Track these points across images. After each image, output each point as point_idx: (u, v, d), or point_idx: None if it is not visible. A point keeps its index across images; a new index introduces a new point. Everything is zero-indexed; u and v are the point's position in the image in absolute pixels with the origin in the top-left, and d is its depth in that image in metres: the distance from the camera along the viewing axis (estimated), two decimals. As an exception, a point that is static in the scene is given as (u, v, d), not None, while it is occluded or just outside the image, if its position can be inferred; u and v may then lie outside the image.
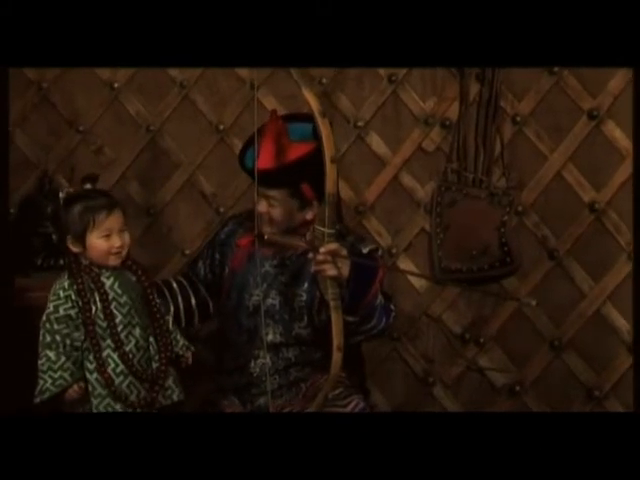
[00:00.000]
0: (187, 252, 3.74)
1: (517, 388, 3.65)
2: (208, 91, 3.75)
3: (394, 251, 3.70)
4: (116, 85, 3.76)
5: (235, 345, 3.07)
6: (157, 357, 2.92)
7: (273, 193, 2.95)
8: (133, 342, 2.89)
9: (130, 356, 2.88)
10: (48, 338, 2.84)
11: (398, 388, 3.72)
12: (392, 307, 3.03)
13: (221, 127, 3.74)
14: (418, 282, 3.70)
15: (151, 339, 2.93)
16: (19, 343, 3.03)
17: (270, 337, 3.01)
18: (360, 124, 3.69)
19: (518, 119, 3.62)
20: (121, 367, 2.87)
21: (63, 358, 2.83)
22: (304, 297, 3.02)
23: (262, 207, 2.97)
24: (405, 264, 3.69)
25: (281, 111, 3.51)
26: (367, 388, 3.38)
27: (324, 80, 3.68)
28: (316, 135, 2.78)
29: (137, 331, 2.90)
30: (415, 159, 3.68)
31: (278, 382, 3.04)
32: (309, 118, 2.83)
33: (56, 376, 2.82)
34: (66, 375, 2.83)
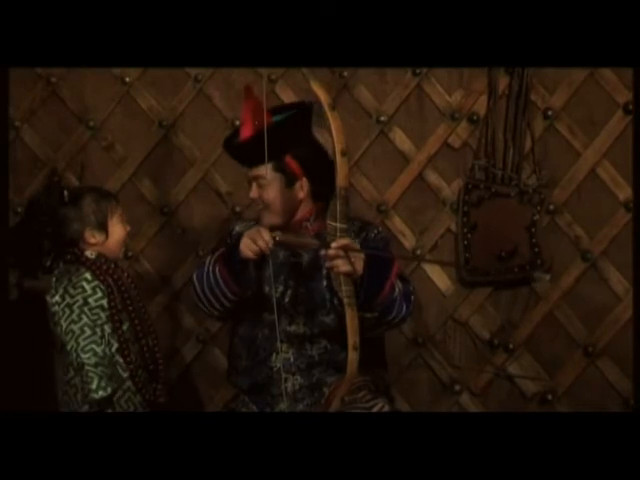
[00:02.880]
0: (202, 253, 3.67)
1: (549, 397, 3.55)
2: (224, 85, 3.69)
3: (419, 252, 3.61)
4: (128, 79, 3.72)
5: (255, 340, 3.01)
6: (151, 355, 2.96)
7: (259, 172, 2.93)
8: (145, 336, 2.95)
9: (145, 349, 2.93)
10: (88, 331, 2.84)
11: (423, 396, 3.63)
12: (411, 289, 2.98)
13: (237, 123, 3.64)
14: (444, 284, 3.61)
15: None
16: (27, 343, 3.16)
17: (294, 328, 2.96)
18: (383, 119, 3.61)
19: (550, 113, 3.52)
20: (140, 360, 2.91)
21: (107, 353, 2.84)
22: (324, 283, 2.96)
23: (254, 193, 2.97)
24: (430, 266, 3.61)
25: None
26: (392, 396, 3.31)
27: (345, 73, 3.61)
28: (272, 128, 2.82)
29: (145, 326, 2.96)
30: (441, 156, 3.59)
31: (299, 383, 2.97)
32: (292, 107, 2.95)
33: (109, 372, 2.82)
34: (115, 372, 2.84)
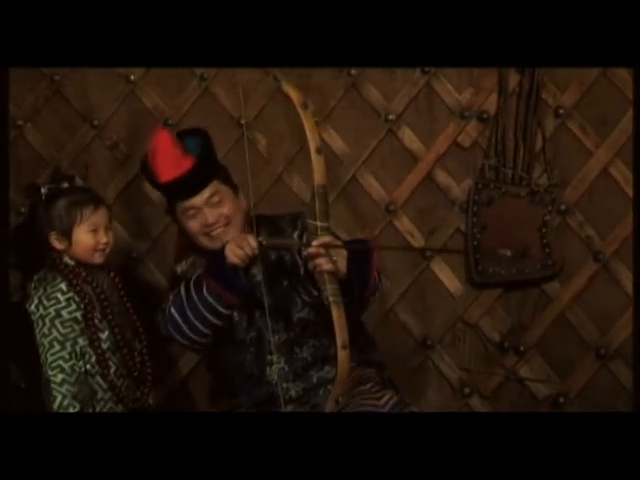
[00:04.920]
0: (207, 254, 3.60)
1: (561, 400, 3.52)
2: (229, 83, 3.64)
3: (427, 253, 3.56)
4: (132, 77, 3.68)
5: (244, 363, 2.99)
6: (140, 359, 2.92)
7: (208, 192, 2.91)
8: (127, 344, 2.89)
9: (127, 357, 2.88)
10: (57, 346, 2.79)
11: (432, 399, 3.60)
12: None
13: (243, 121, 3.61)
14: (453, 286, 3.58)
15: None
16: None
17: (277, 336, 2.94)
18: (391, 118, 3.57)
19: (561, 112, 3.49)
20: (121, 369, 2.86)
21: (77, 369, 2.78)
22: (284, 283, 2.96)
23: (212, 216, 2.91)
24: (439, 267, 3.58)
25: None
26: (396, 385, 3.23)
27: (353, 71, 3.57)
28: (204, 149, 2.92)
29: (128, 333, 2.90)
30: (450, 155, 3.56)
31: (302, 387, 2.95)
32: (199, 132, 2.98)
33: (75, 390, 2.77)
34: (85, 389, 2.79)
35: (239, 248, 2.78)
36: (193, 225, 2.91)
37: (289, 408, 2.92)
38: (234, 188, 2.97)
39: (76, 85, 3.68)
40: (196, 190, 2.89)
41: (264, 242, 2.78)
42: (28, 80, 3.64)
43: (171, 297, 2.91)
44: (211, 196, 2.90)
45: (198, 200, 2.89)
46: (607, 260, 3.48)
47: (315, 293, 2.91)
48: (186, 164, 2.87)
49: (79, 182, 3.01)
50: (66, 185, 2.88)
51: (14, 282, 3.47)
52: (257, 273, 2.91)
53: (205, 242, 2.92)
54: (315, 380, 2.94)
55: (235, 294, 2.84)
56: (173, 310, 2.88)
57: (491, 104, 3.50)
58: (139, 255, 3.67)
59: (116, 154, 3.68)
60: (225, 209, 2.91)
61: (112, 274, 2.96)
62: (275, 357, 2.92)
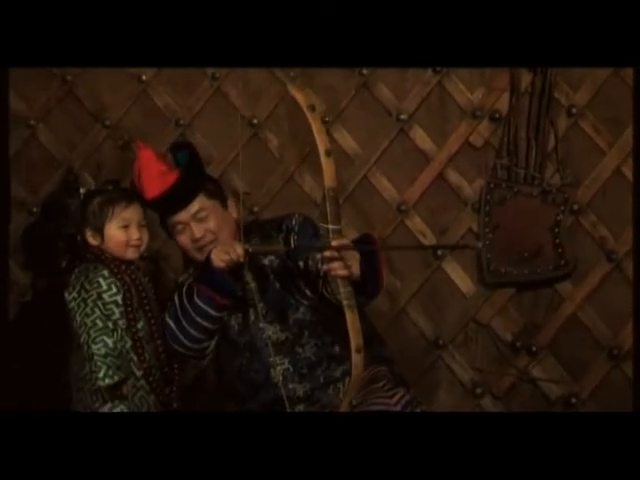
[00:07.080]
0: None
1: (573, 400, 3.49)
2: (241, 83, 3.65)
3: (439, 253, 3.55)
4: (144, 77, 3.69)
5: (241, 369, 2.99)
6: (169, 360, 2.96)
7: (195, 207, 2.91)
8: (161, 337, 2.94)
9: (161, 350, 2.93)
10: (100, 324, 2.85)
11: (443, 399, 3.59)
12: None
13: (255, 121, 3.63)
14: (465, 286, 3.57)
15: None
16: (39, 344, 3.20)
17: (275, 337, 2.94)
18: (403, 117, 3.56)
19: (574, 111, 3.47)
20: (154, 361, 2.92)
21: (119, 347, 2.86)
22: (277, 286, 2.95)
23: (198, 231, 2.91)
24: (451, 266, 3.56)
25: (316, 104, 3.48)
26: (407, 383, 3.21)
27: (364, 71, 3.57)
28: (189, 161, 2.89)
29: (161, 329, 2.94)
30: (462, 154, 3.55)
31: (309, 387, 2.94)
32: (186, 145, 3.01)
33: (118, 363, 2.84)
34: (126, 365, 2.86)
35: (225, 253, 2.80)
36: (183, 240, 2.94)
37: (299, 408, 2.91)
38: (223, 201, 2.97)
39: (88, 85, 3.69)
40: (182, 204, 2.90)
41: (250, 249, 2.79)
42: (40, 80, 3.66)
43: (169, 306, 2.96)
44: (198, 211, 2.91)
45: (185, 215, 2.90)
46: (620, 260, 3.45)
47: (309, 294, 2.91)
48: (170, 178, 2.88)
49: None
50: (110, 187, 2.96)
51: (24, 282, 3.50)
52: (250, 280, 2.93)
53: (197, 256, 2.94)
54: (322, 380, 2.94)
55: (224, 296, 2.87)
56: (168, 318, 2.93)
57: (503, 104, 3.48)
58: (150, 254, 3.67)
59: (128, 154, 3.65)
60: (211, 224, 2.91)
61: (147, 278, 3.01)
62: (278, 359, 2.92)
